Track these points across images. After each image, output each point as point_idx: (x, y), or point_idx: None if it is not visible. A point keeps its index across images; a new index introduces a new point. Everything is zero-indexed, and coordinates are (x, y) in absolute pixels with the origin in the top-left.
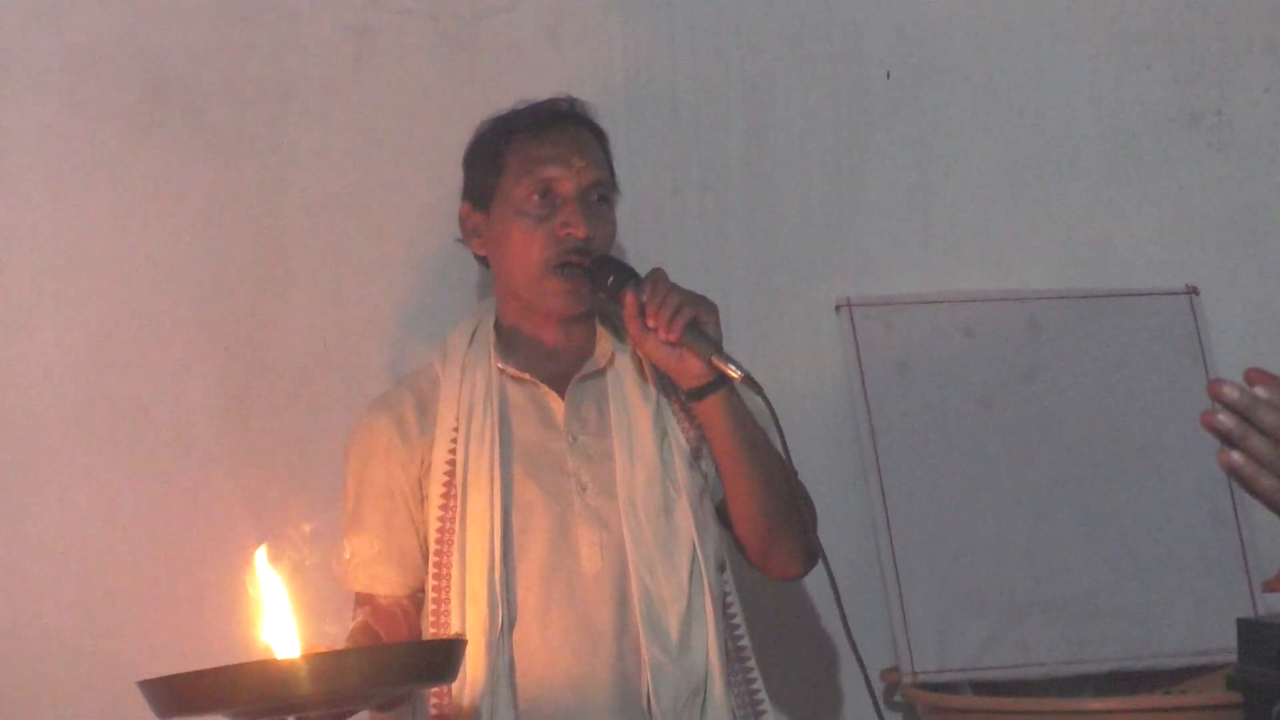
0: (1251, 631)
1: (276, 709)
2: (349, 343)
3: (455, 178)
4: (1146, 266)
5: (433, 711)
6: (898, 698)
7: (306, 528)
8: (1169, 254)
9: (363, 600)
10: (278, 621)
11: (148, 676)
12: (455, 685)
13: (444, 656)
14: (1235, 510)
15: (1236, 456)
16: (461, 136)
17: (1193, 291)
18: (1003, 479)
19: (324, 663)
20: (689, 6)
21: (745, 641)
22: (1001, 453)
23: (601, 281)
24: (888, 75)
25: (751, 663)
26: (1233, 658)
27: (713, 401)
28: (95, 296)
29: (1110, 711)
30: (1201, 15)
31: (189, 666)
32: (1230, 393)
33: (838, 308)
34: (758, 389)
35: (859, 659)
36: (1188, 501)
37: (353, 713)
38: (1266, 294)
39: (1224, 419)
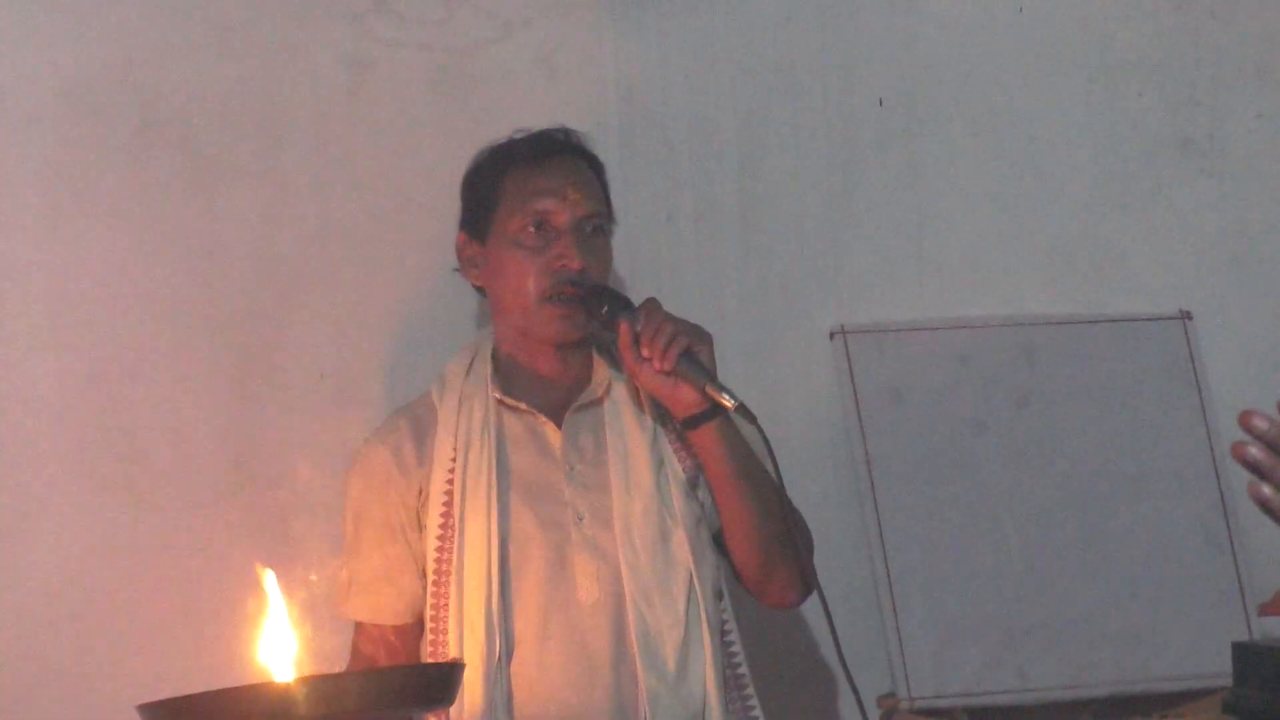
0: (1246, 655)
1: None
2: (345, 373)
3: (450, 208)
4: (1140, 292)
5: None
6: None
7: (309, 547)
8: (1162, 279)
9: (361, 629)
10: (276, 645)
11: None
12: (453, 713)
13: (442, 680)
14: (1230, 534)
15: (1267, 490)
16: (456, 166)
17: (1186, 316)
18: (998, 504)
19: (321, 685)
20: (682, 35)
21: (744, 670)
22: (997, 478)
23: (596, 310)
24: (880, 103)
25: (750, 690)
26: (1228, 681)
27: (707, 430)
28: (91, 329)
29: None
30: (1193, 42)
31: (188, 691)
32: (1260, 424)
33: (832, 335)
34: (751, 418)
35: (853, 686)
36: (1183, 526)
37: None
38: (1259, 318)
39: (1254, 451)
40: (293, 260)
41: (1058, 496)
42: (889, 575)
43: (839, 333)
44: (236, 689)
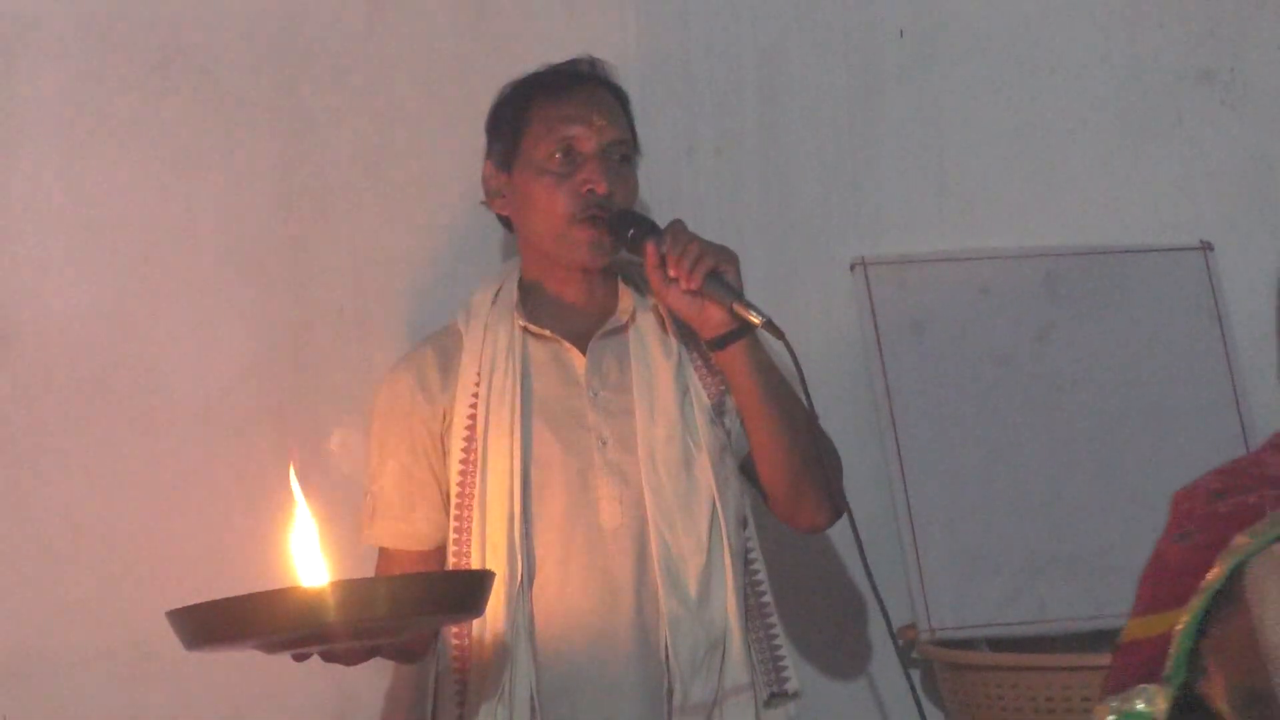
0: None
1: (304, 638)
2: (366, 307)
3: (471, 141)
4: (1161, 223)
5: (454, 664)
6: (915, 654)
7: (335, 439)
8: (1183, 210)
9: (385, 556)
10: (306, 553)
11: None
12: (475, 635)
13: (473, 588)
14: None
15: None
16: (475, 100)
17: (1207, 247)
18: (1019, 437)
19: (352, 590)
20: None
21: (768, 598)
22: (1017, 410)
23: (622, 233)
24: (900, 34)
25: (774, 619)
26: None
27: (735, 350)
28: (111, 262)
29: None
30: None
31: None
32: None
33: (852, 267)
34: (779, 334)
35: (884, 611)
36: (1203, 457)
37: (378, 650)
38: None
39: None
40: (313, 192)
41: (1078, 428)
42: (909, 507)
43: (859, 264)
44: (266, 593)
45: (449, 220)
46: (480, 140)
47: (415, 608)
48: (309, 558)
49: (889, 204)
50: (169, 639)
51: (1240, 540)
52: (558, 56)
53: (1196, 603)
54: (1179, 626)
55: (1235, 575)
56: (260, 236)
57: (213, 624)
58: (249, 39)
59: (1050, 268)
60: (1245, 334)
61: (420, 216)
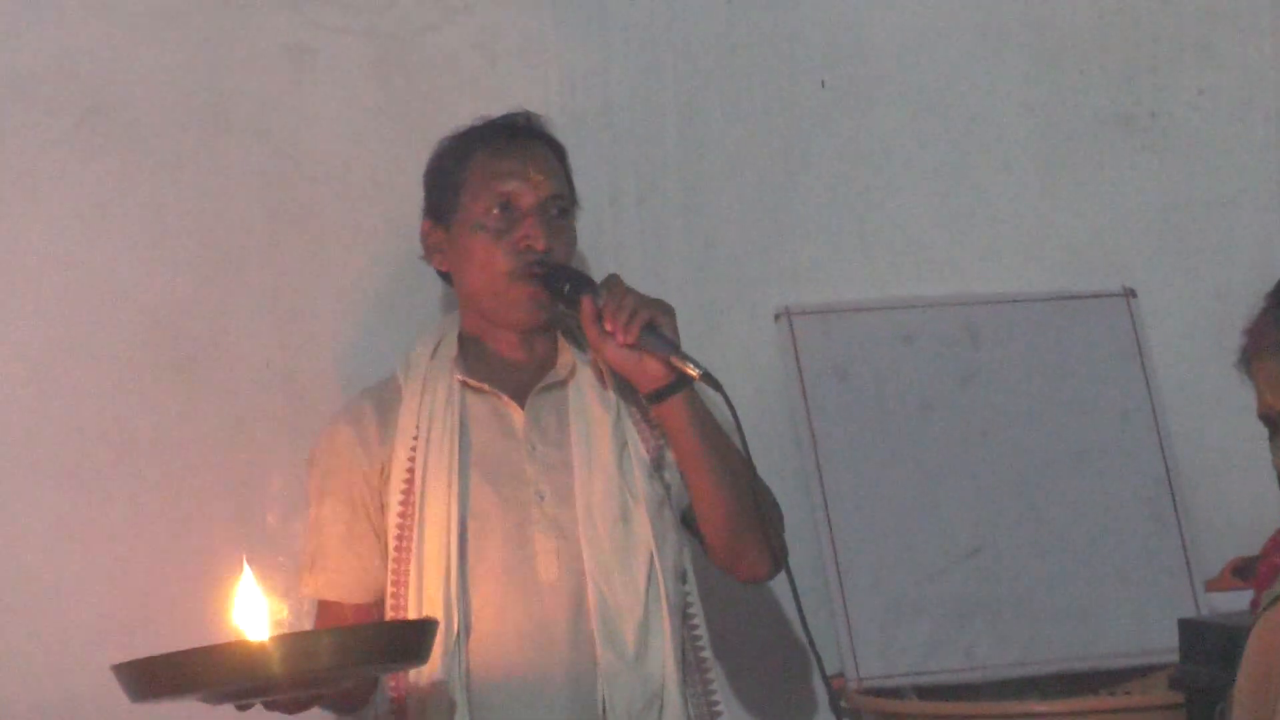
0: (1193, 631)
1: (248, 690)
2: (293, 362)
3: (396, 194)
4: (1083, 269)
5: (392, 717)
6: (843, 703)
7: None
8: (1106, 256)
9: (323, 609)
10: (249, 607)
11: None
12: (412, 684)
13: (415, 637)
14: (1176, 510)
15: None
16: (399, 153)
17: (1130, 294)
18: (944, 484)
19: (295, 643)
20: (623, 18)
21: (707, 652)
22: (942, 457)
23: (558, 288)
24: (822, 84)
25: (712, 674)
26: (1175, 658)
27: (674, 403)
28: (36, 321)
29: (1055, 714)
30: (1133, 18)
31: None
32: None
33: (777, 316)
34: (717, 385)
35: (819, 662)
36: (1129, 502)
37: (319, 700)
38: (1203, 294)
39: None
40: (238, 247)
41: (1003, 475)
42: (835, 555)
43: (784, 314)
44: (210, 647)
45: (373, 275)
46: (404, 193)
47: (359, 657)
48: (249, 610)
49: (812, 253)
50: (102, 691)
51: None
52: (480, 109)
53: None
54: None
55: None
56: (185, 291)
57: (159, 677)
58: (171, 96)
59: (973, 315)
60: (1169, 378)
61: (344, 272)
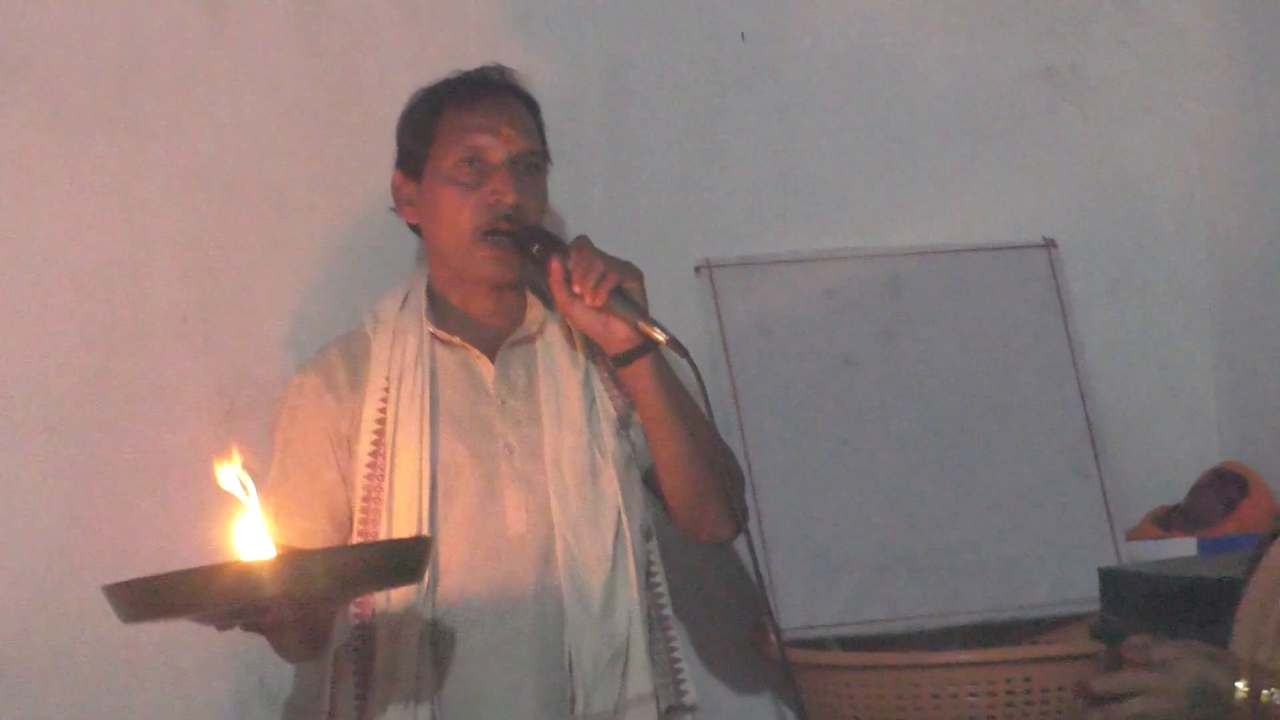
0: (1113, 581)
1: (241, 610)
2: (209, 319)
3: (311, 149)
4: (1004, 221)
5: (355, 667)
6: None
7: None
8: (1027, 208)
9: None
10: (248, 532)
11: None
12: (377, 636)
13: (411, 555)
14: (1097, 461)
15: None
16: (317, 107)
17: (1050, 245)
18: (866, 437)
19: (290, 563)
20: None
21: (668, 610)
22: (865, 410)
23: (527, 249)
24: (743, 37)
25: (674, 631)
26: (1096, 607)
27: (640, 366)
28: None
29: (976, 663)
30: None
31: None
32: None
33: (697, 270)
34: (683, 352)
35: (774, 619)
36: (1050, 454)
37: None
38: (1124, 246)
39: None
40: (155, 204)
41: (925, 427)
42: (758, 508)
43: (705, 267)
44: (203, 568)
45: (290, 227)
46: (321, 145)
47: (355, 576)
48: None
49: (733, 207)
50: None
51: None
52: (399, 63)
53: None
54: None
55: None
56: (102, 249)
57: (150, 599)
58: (88, 50)
59: (895, 268)
60: (1090, 330)
61: (261, 225)
